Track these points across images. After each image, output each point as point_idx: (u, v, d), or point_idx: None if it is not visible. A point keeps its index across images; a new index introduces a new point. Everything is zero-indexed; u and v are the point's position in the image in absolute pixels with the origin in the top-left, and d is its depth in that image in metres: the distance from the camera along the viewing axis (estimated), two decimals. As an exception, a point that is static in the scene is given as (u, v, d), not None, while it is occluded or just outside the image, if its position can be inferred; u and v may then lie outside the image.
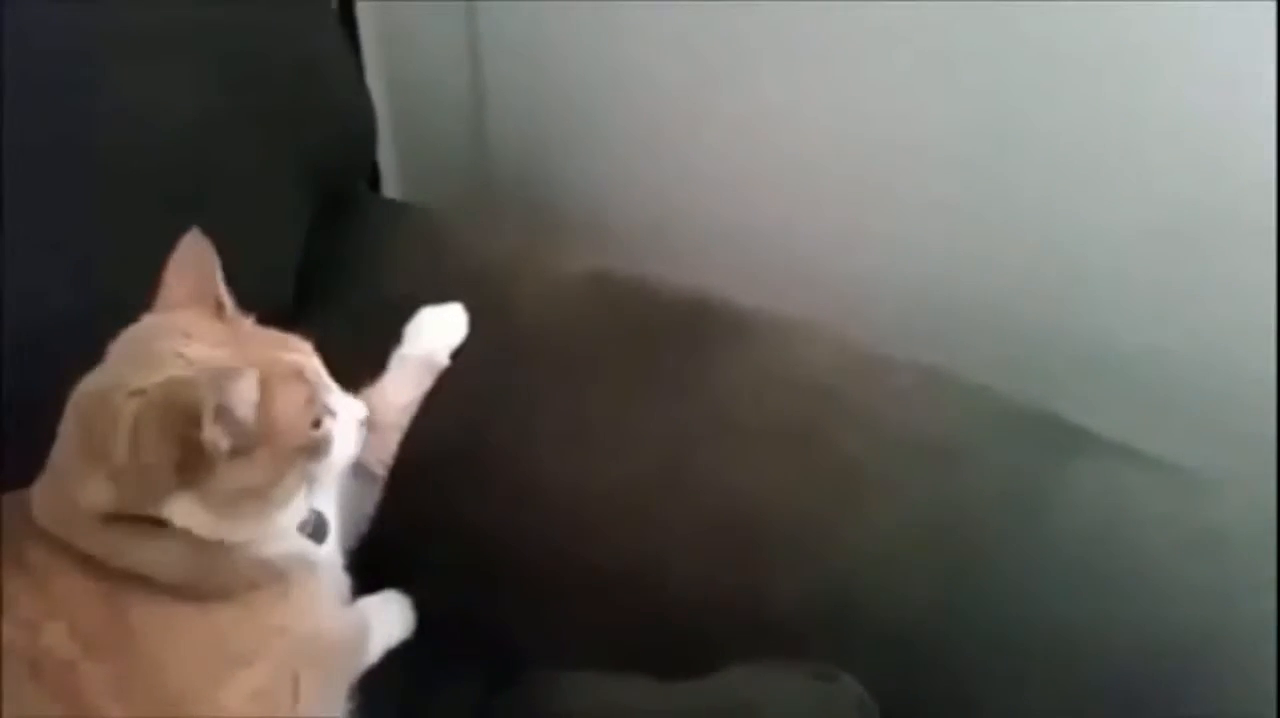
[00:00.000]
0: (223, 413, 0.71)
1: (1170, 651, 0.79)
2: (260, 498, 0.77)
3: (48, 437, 0.78)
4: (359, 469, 0.96)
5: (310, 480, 0.81)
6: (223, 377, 0.72)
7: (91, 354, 0.78)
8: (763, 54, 1.33)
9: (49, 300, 0.89)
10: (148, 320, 0.80)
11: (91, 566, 0.75)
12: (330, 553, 0.88)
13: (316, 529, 0.85)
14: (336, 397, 0.82)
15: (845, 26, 1.24)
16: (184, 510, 0.74)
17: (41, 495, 0.77)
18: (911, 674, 0.83)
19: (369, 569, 0.94)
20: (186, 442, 0.71)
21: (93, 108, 0.95)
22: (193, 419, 0.70)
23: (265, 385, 0.74)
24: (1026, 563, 0.83)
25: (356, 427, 0.84)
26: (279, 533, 0.81)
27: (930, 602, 0.84)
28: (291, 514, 0.81)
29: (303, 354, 0.81)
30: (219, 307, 0.80)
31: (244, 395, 0.73)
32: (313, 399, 0.79)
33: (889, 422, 0.92)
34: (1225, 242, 1.14)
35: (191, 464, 0.72)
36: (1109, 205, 1.19)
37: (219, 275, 0.81)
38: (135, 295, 0.81)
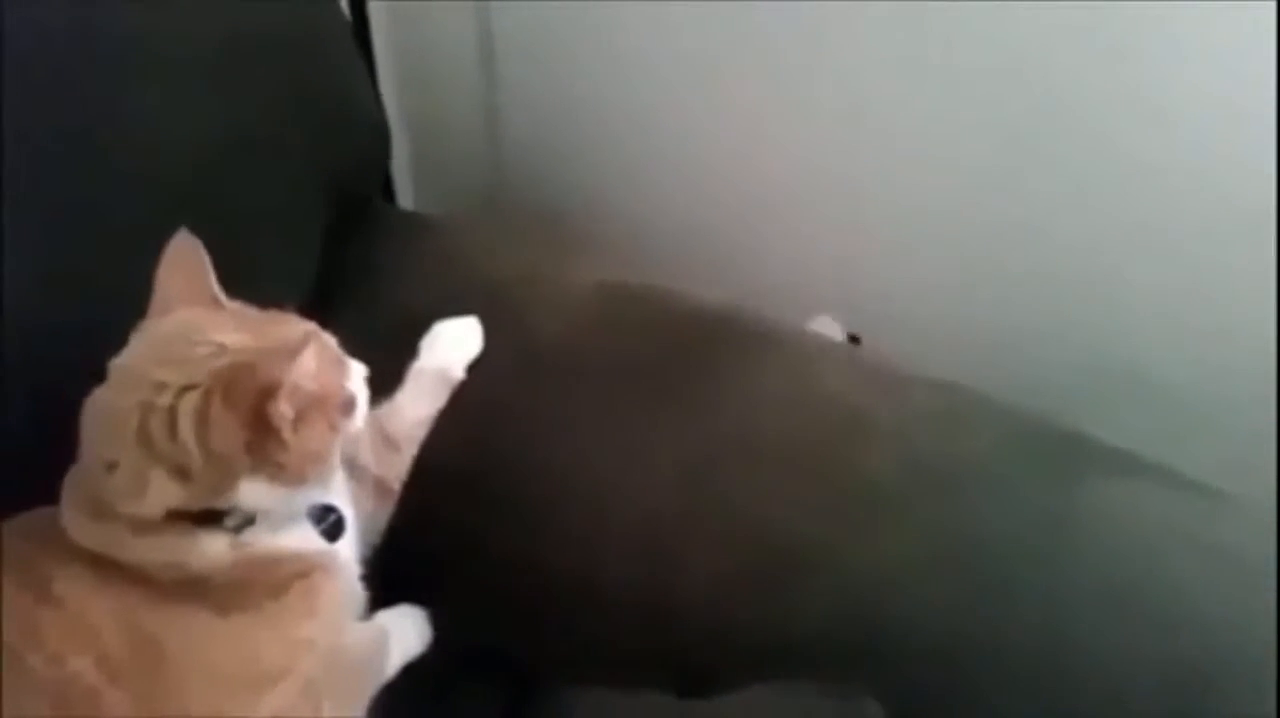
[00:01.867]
0: (295, 386, 0.74)
1: (1190, 672, 0.79)
2: (318, 462, 0.79)
3: (51, 457, 0.78)
4: (374, 483, 0.96)
5: (344, 441, 0.83)
6: (289, 351, 0.74)
7: (98, 372, 0.78)
8: (779, 70, 1.34)
9: (57, 316, 0.89)
10: (151, 326, 0.80)
11: (126, 581, 0.75)
12: (348, 557, 0.88)
13: (333, 526, 0.86)
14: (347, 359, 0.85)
15: (868, 47, 1.25)
16: (255, 492, 0.76)
17: (76, 513, 0.77)
18: (933, 695, 0.82)
19: (384, 583, 0.93)
20: (256, 420, 0.73)
21: (105, 123, 0.94)
22: (263, 397, 0.73)
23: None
24: (1050, 584, 0.82)
25: (364, 384, 0.86)
26: (301, 527, 0.83)
27: (952, 623, 0.83)
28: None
29: (309, 324, 0.82)
30: (214, 301, 0.81)
31: (307, 366, 0.75)
32: (338, 360, 0.82)
33: (911, 441, 0.92)
34: (1235, 253, 1.14)
35: (262, 443, 0.74)
36: (1118, 218, 1.19)
37: (210, 272, 0.82)
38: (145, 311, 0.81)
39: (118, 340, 0.79)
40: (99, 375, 0.78)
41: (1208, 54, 1.05)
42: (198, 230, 0.82)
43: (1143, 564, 0.82)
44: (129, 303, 0.81)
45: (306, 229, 1.14)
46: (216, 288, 0.82)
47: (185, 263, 0.81)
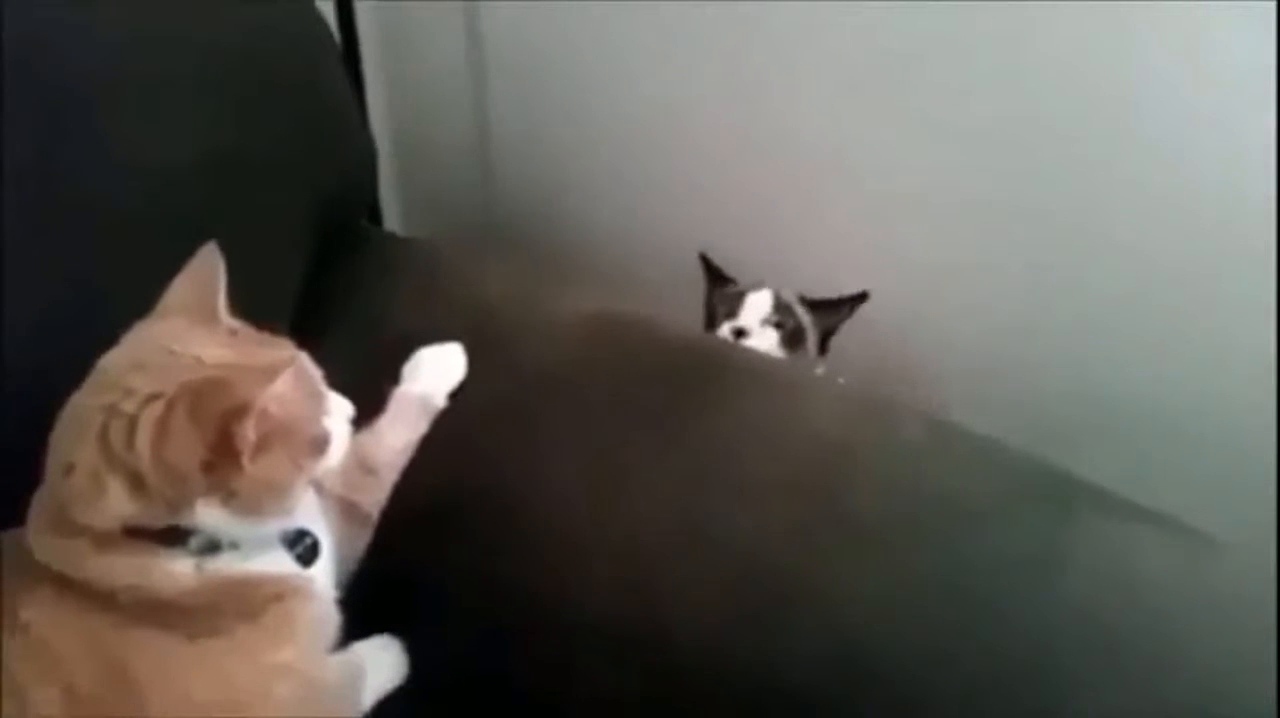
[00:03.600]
0: (264, 411, 0.72)
1: (1178, 714, 0.78)
2: (276, 495, 0.77)
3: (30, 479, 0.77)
4: (351, 510, 0.95)
5: (310, 478, 0.81)
6: (265, 373, 0.72)
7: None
8: (772, 100, 1.34)
9: (47, 337, 0.88)
10: (141, 329, 0.79)
11: (93, 606, 0.74)
12: (323, 581, 0.87)
13: (307, 551, 0.84)
14: (331, 394, 0.83)
15: (870, 90, 1.26)
16: (213, 515, 0.74)
17: (40, 531, 0.76)
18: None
19: (361, 613, 0.92)
20: (219, 440, 0.71)
21: (96, 145, 0.94)
22: (230, 417, 0.71)
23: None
24: (1041, 626, 0.82)
25: (347, 424, 0.84)
26: (273, 551, 0.82)
27: (942, 663, 0.82)
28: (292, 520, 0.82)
29: (296, 351, 0.81)
30: (213, 316, 0.80)
31: (281, 392, 0.73)
32: (317, 393, 0.81)
33: (901, 477, 0.91)
34: (1233, 300, 1.14)
35: (219, 464, 0.72)
36: (1117, 262, 1.19)
37: (222, 289, 0.81)
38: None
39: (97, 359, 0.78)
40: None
41: (1206, 74, 1.05)
42: (184, 255, 0.82)
43: (1135, 608, 0.82)
44: (112, 321, 0.80)
45: (292, 251, 1.13)
46: (221, 306, 0.81)
47: (200, 276, 0.81)
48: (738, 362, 1.04)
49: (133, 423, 0.72)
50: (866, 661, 0.83)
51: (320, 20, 1.20)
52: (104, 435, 0.72)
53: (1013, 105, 1.17)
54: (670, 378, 1.01)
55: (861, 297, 1.31)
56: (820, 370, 1.33)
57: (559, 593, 0.92)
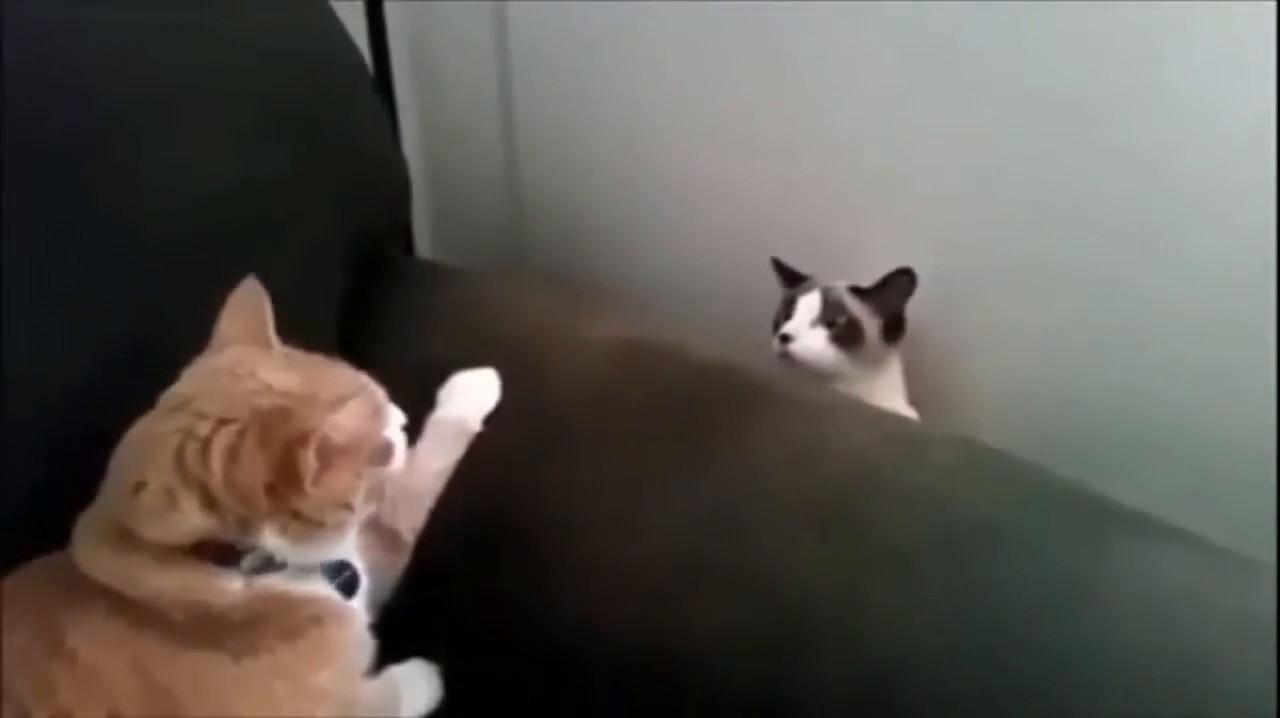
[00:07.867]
0: (325, 439, 0.75)
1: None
2: (339, 509, 0.79)
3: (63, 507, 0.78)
4: (387, 534, 0.96)
5: (372, 489, 0.83)
6: (330, 403, 0.75)
7: (123, 416, 0.79)
8: (796, 135, 1.34)
9: (82, 365, 0.90)
10: (204, 361, 0.82)
11: (142, 626, 0.75)
12: (361, 610, 0.88)
13: (347, 582, 0.86)
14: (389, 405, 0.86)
15: (897, 115, 1.26)
16: (273, 535, 0.77)
17: (94, 547, 0.77)
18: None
19: (395, 636, 0.92)
20: (283, 465, 0.74)
21: (129, 171, 0.95)
22: (294, 444, 0.74)
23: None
24: (1074, 650, 0.80)
25: (402, 432, 0.87)
26: (316, 580, 0.83)
27: (973, 694, 0.81)
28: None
29: (364, 380, 0.84)
30: (268, 344, 0.83)
31: (344, 421, 0.76)
32: (379, 409, 0.83)
33: (930, 500, 0.90)
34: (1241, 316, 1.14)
35: (282, 488, 0.75)
36: (1146, 277, 1.19)
37: (269, 317, 0.84)
38: (170, 356, 0.82)
39: (137, 389, 0.80)
40: (118, 424, 0.79)
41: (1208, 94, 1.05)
42: (218, 282, 0.84)
43: (1170, 632, 0.80)
44: (153, 350, 0.82)
45: (327, 279, 1.15)
46: (272, 333, 0.84)
47: (247, 307, 0.84)
48: (767, 387, 1.03)
49: (206, 445, 0.75)
50: (894, 693, 0.82)
51: (354, 49, 1.22)
52: (180, 455, 0.75)
53: (1055, 114, 1.17)
54: (699, 404, 1.02)
55: (904, 272, 1.28)
56: (894, 360, 1.32)
57: (582, 620, 0.93)
